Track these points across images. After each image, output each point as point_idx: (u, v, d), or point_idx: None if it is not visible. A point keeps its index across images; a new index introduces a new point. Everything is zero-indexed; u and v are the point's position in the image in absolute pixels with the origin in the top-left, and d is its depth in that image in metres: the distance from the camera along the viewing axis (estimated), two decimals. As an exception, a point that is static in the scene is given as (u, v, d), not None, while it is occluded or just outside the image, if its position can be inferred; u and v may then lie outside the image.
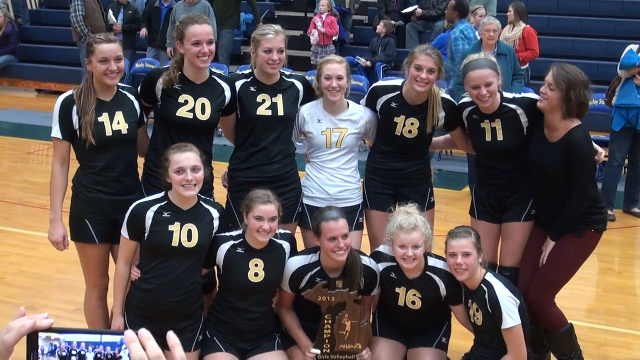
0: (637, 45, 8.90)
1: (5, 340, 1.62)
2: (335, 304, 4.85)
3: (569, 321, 5.13)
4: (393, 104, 5.19)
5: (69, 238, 4.95)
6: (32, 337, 1.64)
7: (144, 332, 1.63)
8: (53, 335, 1.64)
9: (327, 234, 4.70)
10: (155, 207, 4.65)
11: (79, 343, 1.64)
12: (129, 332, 1.63)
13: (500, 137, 5.06)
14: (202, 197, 4.76)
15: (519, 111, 5.02)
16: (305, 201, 5.24)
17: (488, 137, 5.10)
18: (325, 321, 4.87)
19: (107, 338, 1.65)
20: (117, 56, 4.74)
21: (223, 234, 4.81)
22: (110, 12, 14.03)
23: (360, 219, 5.30)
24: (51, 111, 4.82)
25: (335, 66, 5.11)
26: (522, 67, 10.36)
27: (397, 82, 5.34)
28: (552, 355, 5.34)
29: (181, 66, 4.95)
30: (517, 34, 11.24)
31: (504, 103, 5.04)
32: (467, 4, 11.48)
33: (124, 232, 4.70)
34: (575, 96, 4.78)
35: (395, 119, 5.18)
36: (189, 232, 4.63)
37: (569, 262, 5.05)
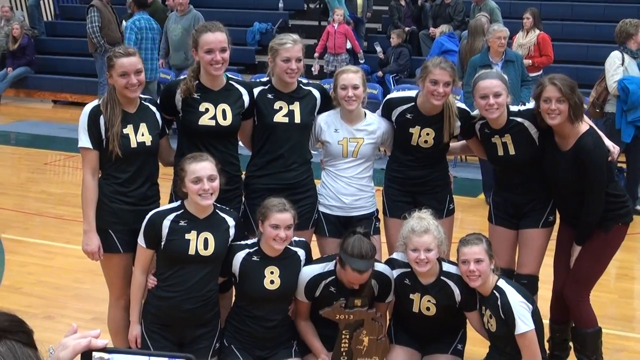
0: (618, 52, 8.82)
1: (60, 357, 1.66)
2: (353, 321, 4.87)
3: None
4: (408, 115, 5.20)
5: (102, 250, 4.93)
6: (86, 356, 1.67)
7: None
8: (105, 356, 1.67)
9: (348, 274, 4.72)
10: (171, 216, 4.69)
11: None
12: None
13: (512, 152, 5.08)
14: (218, 205, 4.79)
15: (527, 124, 5.04)
16: (321, 209, 5.26)
17: (500, 152, 5.12)
18: (343, 336, 4.88)
19: (154, 358, 1.67)
20: (136, 69, 4.77)
21: (238, 243, 4.84)
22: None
23: (377, 223, 5.31)
24: (68, 122, 4.89)
25: (351, 76, 5.13)
26: (536, 74, 10.33)
27: (412, 93, 5.36)
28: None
29: (198, 75, 4.99)
30: (531, 40, 11.24)
31: (510, 117, 5.06)
32: None
33: (140, 241, 4.74)
34: (578, 99, 4.81)
35: (411, 130, 5.19)
36: (206, 240, 4.67)
37: (599, 257, 5.09)
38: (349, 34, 13.91)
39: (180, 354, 1.67)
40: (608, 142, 5.02)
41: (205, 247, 4.67)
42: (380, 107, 5.41)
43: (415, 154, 5.25)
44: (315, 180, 5.33)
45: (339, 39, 13.85)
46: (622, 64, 8.75)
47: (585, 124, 4.93)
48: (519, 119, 5.05)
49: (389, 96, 5.56)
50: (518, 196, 5.20)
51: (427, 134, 5.17)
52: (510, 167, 5.17)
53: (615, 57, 8.85)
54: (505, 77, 5.15)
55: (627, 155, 9.02)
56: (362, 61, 14.00)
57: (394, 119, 5.26)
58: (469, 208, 9.23)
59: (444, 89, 4.99)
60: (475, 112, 5.21)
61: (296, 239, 4.91)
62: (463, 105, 5.40)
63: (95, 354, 1.67)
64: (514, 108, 5.13)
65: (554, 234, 5.30)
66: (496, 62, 9.20)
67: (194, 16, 12.59)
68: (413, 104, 5.21)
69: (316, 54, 14.13)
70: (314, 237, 5.37)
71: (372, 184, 5.35)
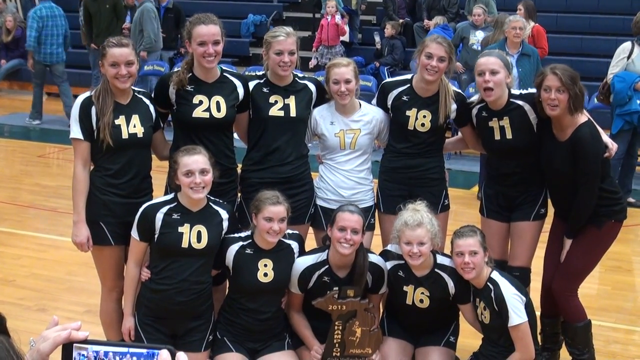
0: (629, 43, 8.92)
1: (40, 349, 1.67)
2: (346, 312, 4.87)
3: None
4: (404, 98, 5.20)
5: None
6: (67, 348, 1.68)
7: (182, 356, 1.66)
8: (86, 347, 1.68)
9: (338, 222, 4.74)
10: (165, 209, 4.68)
11: (106, 353, 1.67)
12: (164, 353, 1.65)
13: (509, 136, 5.07)
14: (212, 198, 4.79)
15: (527, 107, 5.03)
16: (319, 202, 5.26)
17: (497, 136, 5.11)
18: (336, 327, 4.88)
19: (133, 350, 1.68)
20: (127, 60, 4.77)
21: (232, 235, 4.84)
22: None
23: (372, 219, 5.30)
24: (61, 114, 4.87)
25: (343, 70, 5.11)
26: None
27: (407, 76, 5.37)
28: (560, 354, 5.37)
29: (192, 67, 4.98)
30: (526, 32, 11.22)
31: (511, 99, 5.06)
32: None
33: (134, 233, 4.74)
34: (579, 90, 4.80)
35: (408, 113, 5.17)
36: (199, 233, 4.67)
37: (590, 253, 5.09)
38: (340, 24, 13.86)
39: (160, 345, 1.67)
40: (606, 138, 5.01)
41: (199, 240, 4.66)
42: (376, 94, 5.40)
43: (412, 140, 5.21)
44: (313, 174, 5.32)
45: (331, 31, 13.83)
46: (630, 56, 8.86)
47: (584, 116, 4.92)
48: (520, 102, 5.05)
49: (384, 81, 5.56)
50: (509, 188, 5.19)
51: (424, 117, 5.15)
52: (505, 154, 5.14)
53: (622, 48, 8.99)
54: (507, 58, 5.16)
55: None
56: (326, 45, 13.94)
57: (390, 103, 5.25)
58: (462, 200, 9.24)
59: (437, 63, 5.00)
60: (473, 98, 5.22)
61: (289, 231, 4.90)
62: (458, 90, 5.41)
63: (76, 346, 1.68)
64: (515, 91, 5.13)
65: (547, 226, 5.31)
66: (512, 53, 9.19)
67: (142, 8, 12.73)
68: (409, 85, 5.22)
69: (314, 49, 14.09)
70: (310, 231, 5.36)
71: (371, 177, 5.33)
